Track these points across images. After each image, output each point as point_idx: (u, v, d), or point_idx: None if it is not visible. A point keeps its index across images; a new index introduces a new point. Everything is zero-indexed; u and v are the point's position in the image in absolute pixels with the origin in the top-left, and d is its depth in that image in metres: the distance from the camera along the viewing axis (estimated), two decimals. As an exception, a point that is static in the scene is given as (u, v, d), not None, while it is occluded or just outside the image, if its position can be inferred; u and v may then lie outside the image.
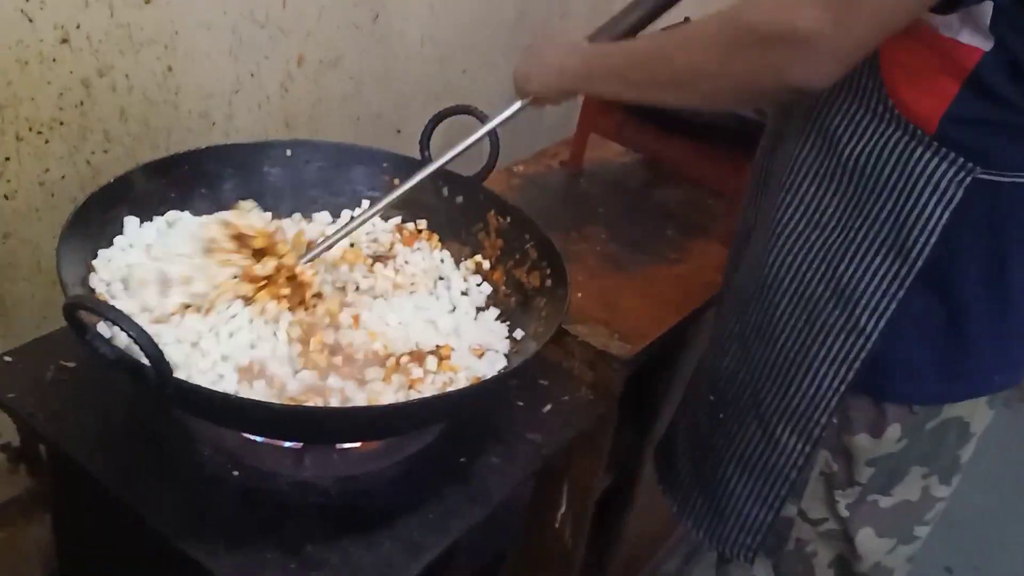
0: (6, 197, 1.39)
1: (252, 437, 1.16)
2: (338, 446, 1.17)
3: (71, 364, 1.21)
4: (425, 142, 1.42)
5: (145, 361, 0.93)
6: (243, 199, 1.30)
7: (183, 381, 0.99)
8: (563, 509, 1.55)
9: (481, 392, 1.15)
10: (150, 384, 0.95)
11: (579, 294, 1.53)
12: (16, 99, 1.35)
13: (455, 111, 1.41)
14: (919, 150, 1.06)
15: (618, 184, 1.90)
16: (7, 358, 1.21)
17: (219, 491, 1.12)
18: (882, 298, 1.13)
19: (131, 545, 1.12)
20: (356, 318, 1.20)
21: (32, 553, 1.45)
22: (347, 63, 1.86)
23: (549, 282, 1.28)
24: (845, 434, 1.22)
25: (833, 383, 1.19)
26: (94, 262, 1.19)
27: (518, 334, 1.27)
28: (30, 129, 1.38)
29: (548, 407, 1.33)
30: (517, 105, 1.26)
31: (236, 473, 1.14)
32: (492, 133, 1.39)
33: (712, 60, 1.05)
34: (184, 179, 1.33)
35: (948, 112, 1.03)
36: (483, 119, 1.38)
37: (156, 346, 0.93)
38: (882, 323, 1.13)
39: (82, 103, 1.44)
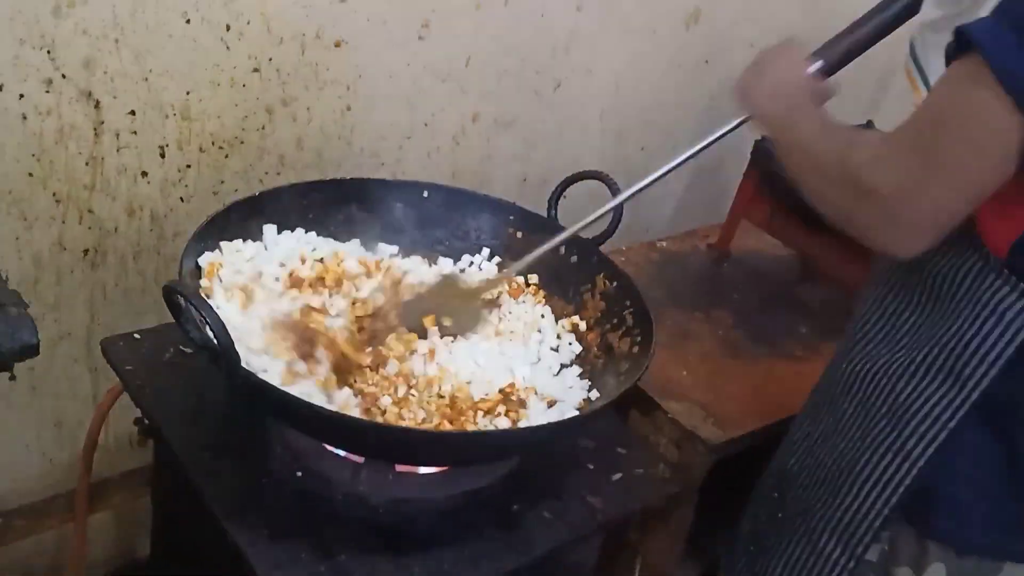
0: (182, 200, 1.56)
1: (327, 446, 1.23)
2: (396, 468, 1.22)
3: (189, 350, 1.33)
4: (553, 202, 1.48)
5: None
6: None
7: (250, 373, 1.08)
8: (635, 586, 1.52)
9: (526, 436, 1.17)
10: (221, 370, 1.06)
11: (684, 372, 1.53)
12: (204, 115, 1.52)
13: (585, 176, 1.46)
14: (990, 277, 1.01)
15: (761, 274, 1.87)
16: (136, 335, 1.35)
17: (278, 487, 1.19)
18: (932, 424, 1.07)
19: (194, 524, 1.21)
20: (432, 352, 1.26)
21: (143, 520, 1.59)
22: (521, 126, 1.94)
23: (636, 349, 1.29)
24: (891, 565, 1.14)
25: (876, 504, 1.12)
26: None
27: (594, 395, 1.29)
28: (213, 143, 1.55)
29: (618, 476, 1.32)
30: (734, 121, 1.24)
31: (299, 474, 1.21)
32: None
33: (826, 187, 1.03)
34: (324, 203, 1.44)
35: (1020, 239, 0.98)
36: (612, 186, 1.42)
37: (228, 335, 1.03)
38: (930, 450, 1.07)
39: (263, 127, 1.59)
